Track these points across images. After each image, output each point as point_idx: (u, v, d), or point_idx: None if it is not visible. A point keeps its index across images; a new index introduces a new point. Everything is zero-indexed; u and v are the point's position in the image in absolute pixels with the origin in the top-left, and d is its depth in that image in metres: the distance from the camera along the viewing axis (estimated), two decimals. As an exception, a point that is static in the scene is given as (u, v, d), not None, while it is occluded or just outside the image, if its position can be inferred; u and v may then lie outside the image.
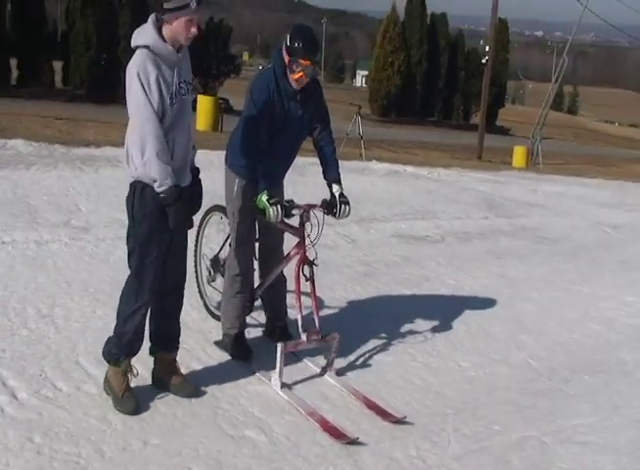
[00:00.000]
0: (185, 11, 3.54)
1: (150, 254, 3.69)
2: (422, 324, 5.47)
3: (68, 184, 8.50)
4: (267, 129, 4.30)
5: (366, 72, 69.71)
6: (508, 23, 59.58)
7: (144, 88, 3.49)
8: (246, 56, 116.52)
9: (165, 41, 3.58)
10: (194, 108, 4.07)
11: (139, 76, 3.49)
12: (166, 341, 4.01)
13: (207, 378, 4.18)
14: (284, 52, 4.26)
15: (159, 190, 3.55)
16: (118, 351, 3.80)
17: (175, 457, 3.40)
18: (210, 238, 5.39)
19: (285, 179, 4.76)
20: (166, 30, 3.59)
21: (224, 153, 4.63)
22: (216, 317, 4.94)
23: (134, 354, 3.86)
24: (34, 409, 3.61)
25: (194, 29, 3.60)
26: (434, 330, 5.39)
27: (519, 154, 27.04)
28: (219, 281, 4.97)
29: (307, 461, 3.49)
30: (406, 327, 5.37)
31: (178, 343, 4.06)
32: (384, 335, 5.15)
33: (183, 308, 4.09)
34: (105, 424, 3.59)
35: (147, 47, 3.55)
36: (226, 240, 4.85)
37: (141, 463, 3.32)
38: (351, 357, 4.72)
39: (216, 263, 5.06)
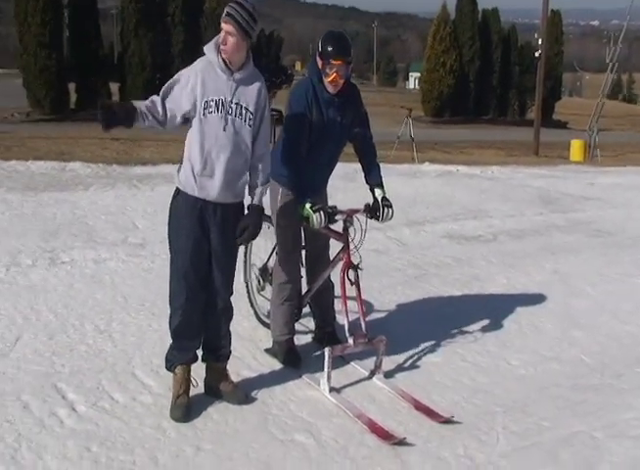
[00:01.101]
0: (223, 19, 3.76)
1: (183, 260, 3.88)
2: (472, 324, 5.48)
3: (126, 203, 8.77)
4: (307, 138, 4.40)
5: (419, 74, 69.35)
6: (562, 13, 58.57)
7: (184, 79, 3.76)
8: (298, 65, 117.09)
9: (220, 57, 3.78)
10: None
11: (186, 70, 3.82)
12: (216, 352, 4.14)
13: (258, 385, 4.29)
14: (317, 58, 4.36)
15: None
16: (172, 356, 3.99)
17: (227, 462, 3.51)
18: (260, 248, 5.52)
19: (333, 186, 4.85)
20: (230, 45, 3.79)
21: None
22: (266, 325, 5.05)
23: (189, 361, 4.00)
24: (92, 421, 3.78)
25: (232, 39, 3.74)
26: (484, 329, 5.40)
27: (576, 147, 26.53)
28: (268, 290, 5.07)
29: (355, 463, 3.56)
30: (455, 328, 5.38)
31: (228, 354, 4.19)
32: (433, 336, 5.18)
33: (234, 318, 4.21)
34: (159, 432, 3.72)
35: (203, 55, 3.84)
36: (274, 249, 4.95)
37: (193, 469, 3.44)
38: (400, 359, 4.76)
39: (265, 272, 5.17)
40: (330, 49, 4.27)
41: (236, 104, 3.80)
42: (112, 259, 6.52)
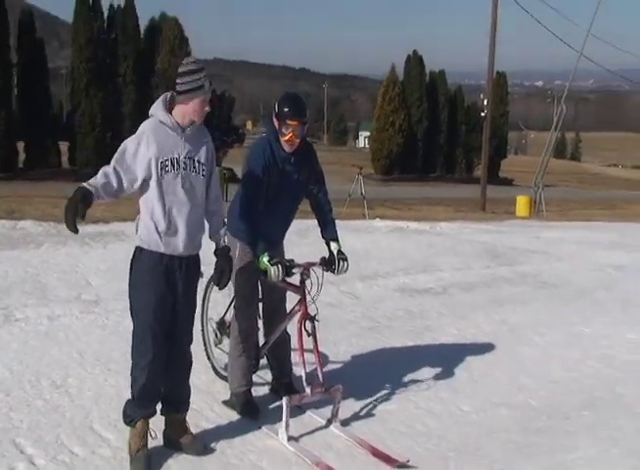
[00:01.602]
0: (199, 92, 3.89)
1: (146, 317, 3.91)
2: (424, 372, 5.62)
3: (78, 260, 8.79)
4: (265, 194, 4.55)
5: (368, 133, 70.66)
6: (507, 75, 60.69)
7: (134, 145, 3.81)
8: (249, 125, 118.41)
9: (169, 114, 3.90)
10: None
11: (131, 139, 3.85)
12: (177, 403, 4.19)
13: (217, 436, 4.34)
14: (274, 118, 4.55)
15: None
16: (132, 412, 3.98)
17: (187, 512, 3.54)
18: (216, 302, 5.61)
19: (290, 241, 5.00)
20: (177, 108, 3.92)
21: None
22: (224, 378, 5.11)
23: (149, 415, 4.02)
24: (52, 474, 3.78)
25: (207, 108, 3.95)
26: (437, 377, 5.54)
27: (521, 203, 27.29)
28: (226, 343, 5.15)
29: (314, 508, 3.63)
30: (409, 376, 5.52)
31: (188, 404, 4.25)
32: (387, 385, 5.30)
33: (192, 372, 4.27)
34: (119, 484, 3.75)
35: (152, 116, 3.93)
36: (231, 302, 5.05)
37: (154, 519, 3.47)
38: (356, 408, 4.87)
39: (222, 326, 5.25)
40: (286, 110, 4.47)
41: (189, 158, 3.94)
42: (65, 316, 6.52)
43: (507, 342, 6.62)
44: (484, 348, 6.39)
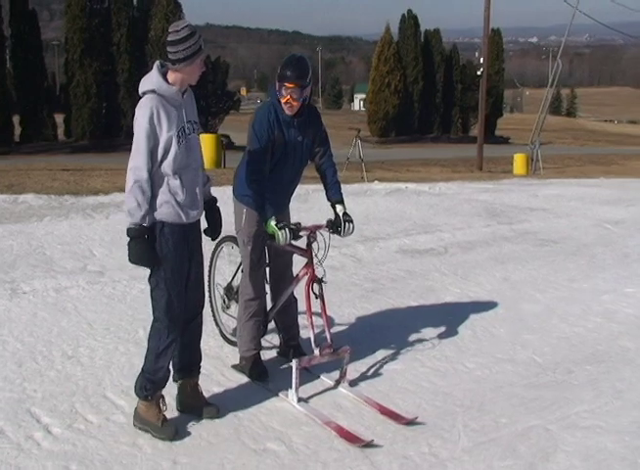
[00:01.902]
0: (199, 54, 3.87)
1: (175, 288, 3.96)
2: (429, 332, 5.72)
3: (81, 232, 8.83)
4: (270, 158, 4.60)
5: (364, 96, 70.30)
6: (502, 32, 60.28)
7: (148, 126, 3.75)
8: (243, 91, 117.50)
9: (170, 85, 3.86)
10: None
11: (146, 117, 3.75)
12: (190, 367, 4.26)
13: (228, 399, 4.43)
14: (276, 81, 4.57)
15: (128, 225, 3.81)
16: (153, 386, 4.02)
17: (203, 472, 3.65)
18: (223, 267, 5.68)
19: (289, 206, 5.05)
20: (174, 76, 3.87)
21: (229, 188, 4.93)
22: (232, 343, 5.21)
23: (165, 386, 4.10)
24: (69, 441, 3.88)
25: (203, 68, 3.95)
26: (441, 336, 5.64)
27: (518, 161, 27.29)
28: (233, 308, 5.24)
29: (327, 466, 3.73)
30: (414, 336, 5.62)
31: (200, 367, 4.33)
32: (393, 345, 5.40)
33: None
34: (135, 449, 3.84)
35: (153, 91, 3.82)
36: (238, 268, 5.13)
37: (172, 480, 3.57)
38: (363, 368, 4.96)
39: (230, 291, 5.33)
40: (284, 72, 4.49)
41: (188, 122, 3.96)
42: (72, 288, 6.59)
43: (509, 299, 6.71)
44: (487, 306, 6.48)
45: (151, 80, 3.87)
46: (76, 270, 7.14)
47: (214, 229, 4.29)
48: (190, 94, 4.04)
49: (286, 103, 4.54)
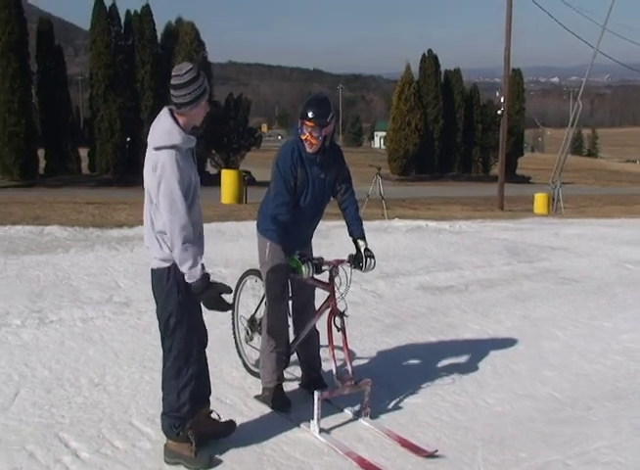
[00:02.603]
0: (204, 95, 3.88)
1: (190, 326, 4.01)
2: (449, 367, 5.77)
3: (106, 264, 9.00)
4: (293, 194, 4.73)
5: (384, 133, 70.75)
6: (522, 72, 60.72)
7: (179, 184, 3.69)
8: (264, 127, 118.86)
9: (187, 135, 3.83)
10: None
11: (176, 175, 3.68)
12: (203, 398, 4.25)
13: (251, 429, 4.50)
14: (299, 119, 4.73)
15: (190, 280, 3.78)
16: (181, 421, 4.02)
17: (227, 499, 3.71)
18: (246, 300, 5.79)
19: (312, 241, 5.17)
20: (184, 120, 3.84)
21: (251, 223, 5.06)
22: (255, 374, 5.29)
23: (193, 418, 4.08)
24: (96, 466, 3.97)
25: (208, 108, 3.96)
26: (461, 372, 5.68)
27: (539, 201, 27.33)
28: (256, 340, 5.33)
29: (348, 495, 3.79)
30: (434, 371, 5.67)
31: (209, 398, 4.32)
32: (413, 379, 5.45)
33: (224, 368, 4.44)
34: (161, 475, 3.93)
35: (174, 147, 3.74)
36: (262, 300, 5.23)
37: (197, 506, 3.64)
38: (384, 402, 5.02)
39: (253, 323, 5.43)
40: (306, 111, 4.65)
41: (195, 164, 3.97)
42: (98, 318, 6.72)
43: (529, 336, 6.75)
44: (507, 342, 6.53)
45: (171, 135, 3.76)
46: (102, 301, 7.28)
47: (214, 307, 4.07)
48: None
49: (306, 140, 4.69)
